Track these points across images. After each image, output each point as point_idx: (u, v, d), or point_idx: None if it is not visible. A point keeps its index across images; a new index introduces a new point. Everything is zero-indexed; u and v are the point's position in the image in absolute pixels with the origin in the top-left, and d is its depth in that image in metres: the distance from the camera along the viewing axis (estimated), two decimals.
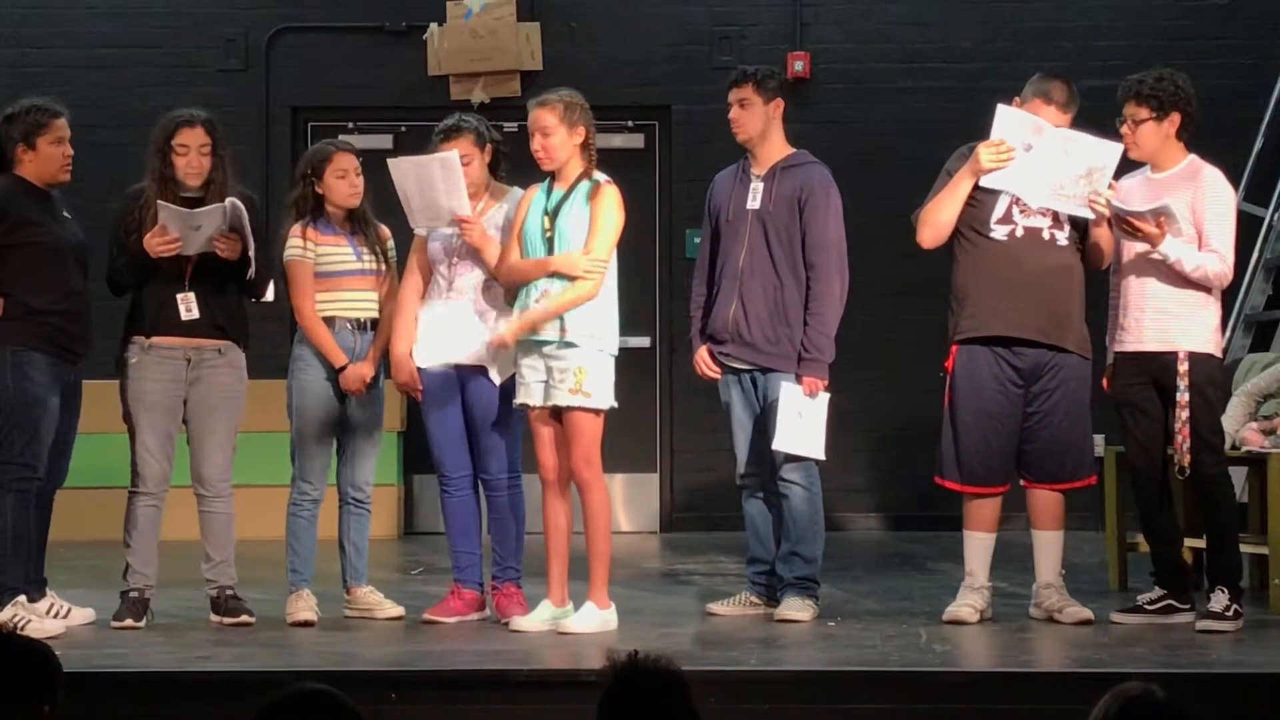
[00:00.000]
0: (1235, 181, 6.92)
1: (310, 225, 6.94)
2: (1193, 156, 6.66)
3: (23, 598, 6.51)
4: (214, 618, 6.80)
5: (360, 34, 10.95)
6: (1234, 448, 7.27)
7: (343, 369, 6.86)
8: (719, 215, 7.04)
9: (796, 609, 6.79)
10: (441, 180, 6.66)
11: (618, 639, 6.32)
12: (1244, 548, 6.97)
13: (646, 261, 10.66)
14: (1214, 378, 6.67)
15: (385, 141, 10.49)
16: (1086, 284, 6.80)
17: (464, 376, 6.80)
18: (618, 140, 10.64)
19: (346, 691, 3.31)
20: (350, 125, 10.71)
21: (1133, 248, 6.61)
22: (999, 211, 6.71)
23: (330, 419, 6.92)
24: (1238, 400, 7.55)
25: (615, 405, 6.59)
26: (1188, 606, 6.67)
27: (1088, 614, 6.64)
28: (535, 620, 6.54)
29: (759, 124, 6.95)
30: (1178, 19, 10.80)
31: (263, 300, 7.06)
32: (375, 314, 6.98)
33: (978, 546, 6.76)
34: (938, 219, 6.73)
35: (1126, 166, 6.76)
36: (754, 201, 6.94)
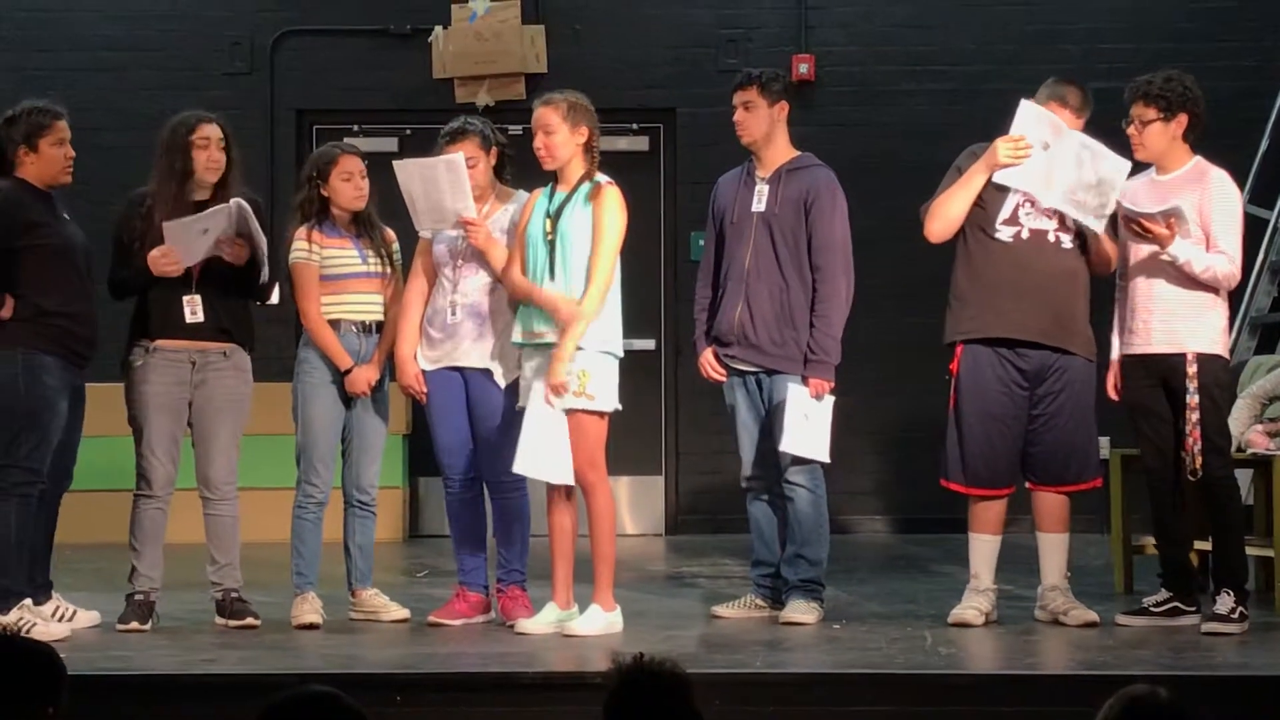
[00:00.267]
0: (1240, 184, 6.92)
1: (315, 228, 6.95)
2: (1199, 158, 6.66)
3: (28, 601, 6.51)
4: (219, 620, 6.80)
5: (365, 37, 10.95)
6: (1239, 450, 7.26)
7: (348, 372, 6.87)
8: (723, 218, 7.04)
9: (801, 611, 6.79)
10: (447, 183, 6.67)
11: (623, 641, 6.32)
12: (1249, 550, 6.96)
13: (651, 264, 10.66)
14: (1221, 380, 6.67)
15: (390, 144, 10.49)
16: (1091, 287, 6.80)
17: (468, 379, 6.80)
18: (622, 143, 10.64)
19: (351, 694, 3.31)
20: (355, 128, 10.72)
21: (1139, 251, 6.61)
22: (1005, 213, 6.70)
23: (335, 422, 6.92)
24: (1243, 403, 7.54)
25: (619, 408, 6.59)
26: (1193, 609, 6.66)
27: (1093, 616, 6.63)
28: (540, 623, 6.54)
29: (764, 127, 6.95)
30: (1182, 21, 10.79)
31: (268, 303, 7.07)
32: (380, 317, 6.98)
33: (983, 549, 6.76)
34: (948, 212, 6.72)
35: (1132, 168, 6.76)
36: (759, 204, 6.94)
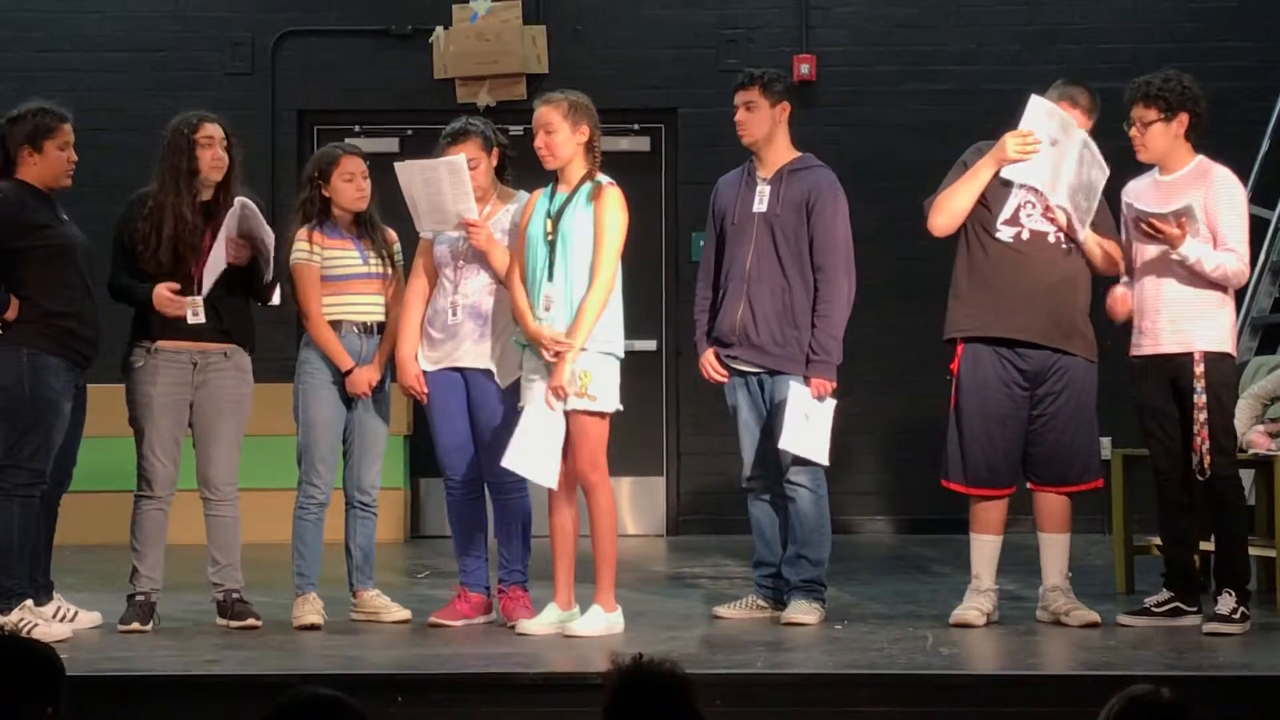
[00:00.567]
0: (1241, 184, 6.90)
1: (317, 229, 6.95)
2: (1201, 157, 6.66)
3: (29, 602, 6.51)
4: (220, 621, 6.80)
5: (366, 37, 10.95)
6: (1241, 450, 7.26)
7: (349, 372, 6.86)
8: (724, 218, 7.04)
9: (803, 612, 6.78)
10: (448, 184, 6.67)
11: (624, 642, 6.32)
12: (1251, 550, 6.96)
13: (652, 264, 10.66)
14: (1228, 379, 6.67)
15: (391, 145, 10.49)
16: (1093, 288, 6.80)
17: (469, 380, 6.80)
18: (624, 143, 10.64)
19: (353, 695, 3.31)
20: (356, 129, 10.72)
21: (1146, 251, 6.60)
22: (1006, 212, 6.70)
23: (337, 422, 6.92)
24: (1244, 403, 7.54)
25: (620, 408, 6.59)
26: (1195, 609, 6.66)
27: (1094, 617, 6.63)
28: (542, 623, 6.54)
29: (765, 127, 6.95)
30: (1183, 21, 10.79)
31: (269, 304, 7.06)
32: (382, 318, 6.98)
33: (984, 549, 6.76)
34: (953, 206, 6.71)
35: (1136, 169, 6.75)
36: (761, 205, 6.94)
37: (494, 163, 6.86)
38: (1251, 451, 7.36)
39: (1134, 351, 6.70)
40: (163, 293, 6.65)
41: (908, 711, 5.54)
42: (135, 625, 6.65)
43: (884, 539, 10.48)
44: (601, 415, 6.51)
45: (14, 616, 6.37)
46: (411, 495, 10.64)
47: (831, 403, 6.84)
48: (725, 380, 7.02)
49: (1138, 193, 6.65)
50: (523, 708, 5.52)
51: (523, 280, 6.59)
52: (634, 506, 10.82)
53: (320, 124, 10.91)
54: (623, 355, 6.62)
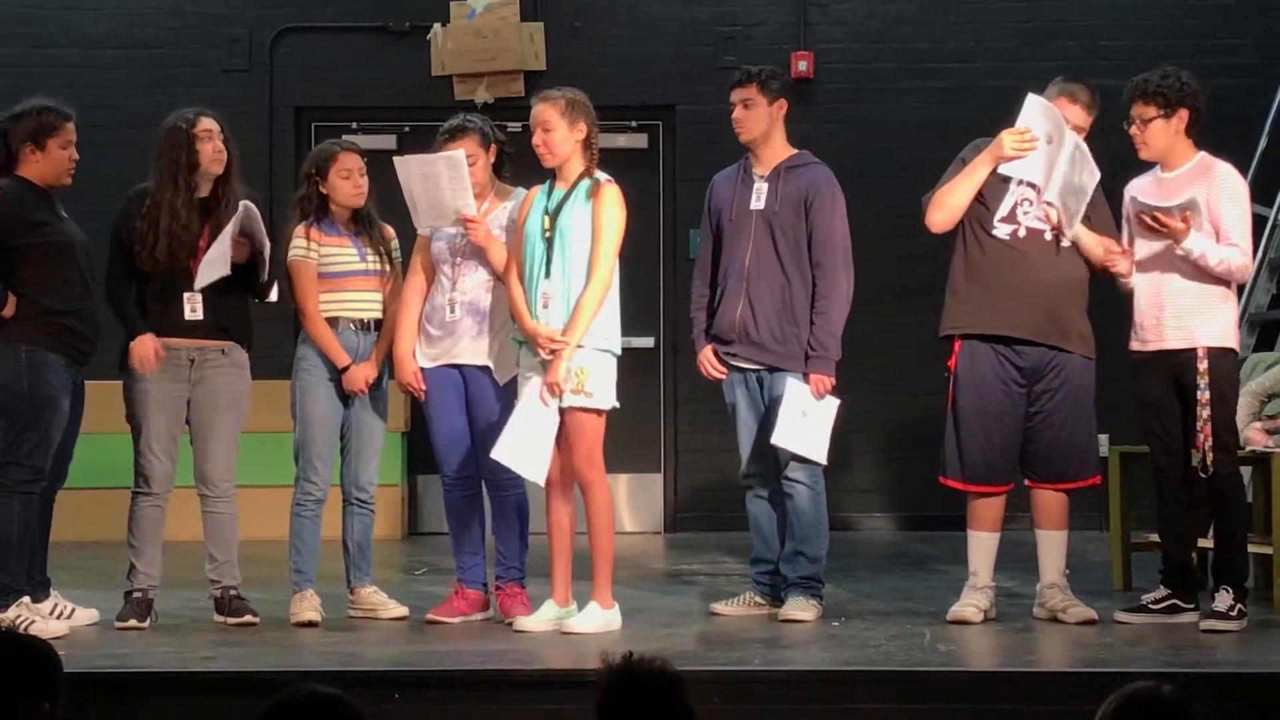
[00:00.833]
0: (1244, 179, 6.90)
1: (314, 225, 6.94)
2: (1203, 153, 6.66)
3: (27, 598, 6.51)
4: (218, 618, 6.80)
5: (364, 34, 10.95)
6: (1239, 447, 7.26)
7: (345, 369, 6.86)
8: (720, 216, 7.03)
9: (800, 609, 6.79)
10: (447, 180, 6.67)
11: (621, 639, 6.32)
12: (1248, 547, 6.95)
13: (650, 262, 10.66)
14: (1231, 375, 6.67)
15: (389, 142, 10.48)
16: (1091, 287, 6.80)
17: (467, 376, 6.80)
18: (621, 140, 10.64)
19: (350, 692, 3.31)
20: (354, 125, 10.71)
21: (1148, 247, 6.59)
22: (1003, 210, 6.70)
23: (334, 419, 6.92)
24: (1242, 400, 7.53)
25: (617, 405, 6.59)
26: (1192, 606, 6.66)
27: (1092, 614, 6.63)
28: (539, 620, 6.54)
29: (762, 125, 6.95)
30: (1182, 18, 10.79)
31: (267, 301, 7.06)
32: (379, 314, 6.97)
33: (981, 546, 6.76)
34: (951, 202, 6.72)
35: (1137, 168, 6.74)
36: (758, 202, 6.94)
37: (492, 159, 6.86)
38: (1249, 448, 7.36)
39: (1135, 346, 6.69)
40: (145, 347, 6.64)
41: (905, 708, 5.54)
42: (132, 622, 6.65)
43: (882, 536, 10.48)
44: (598, 412, 6.51)
45: (11, 613, 6.37)
46: (409, 492, 10.64)
47: (834, 402, 6.84)
48: (724, 377, 7.02)
49: (1141, 190, 6.65)
50: (520, 704, 5.51)
51: (520, 277, 6.59)
52: (632, 503, 10.82)
53: (318, 121, 10.91)
54: (620, 352, 6.62)
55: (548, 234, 6.52)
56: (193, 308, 6.73)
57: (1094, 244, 6.72)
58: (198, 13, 10.91)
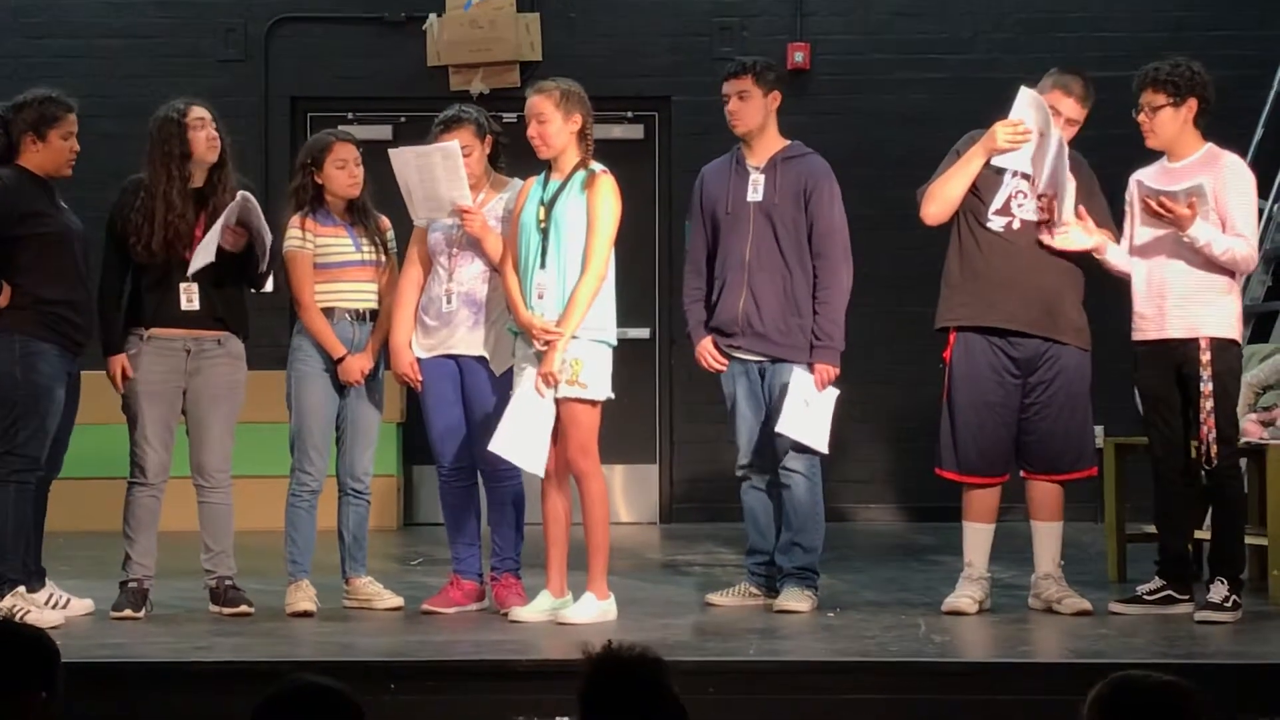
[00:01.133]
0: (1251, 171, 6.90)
1: (310, 216, 6.94)
2: (1210, 144, 6.65)
3: (22, 588, 6.51)
4: (213, 608, 6.80)
5: (359, 24, 10.94)
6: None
7: (341, 360, 6.86)
8: (714, 209, 7.02)
9: (796, 599, 6.79)
10: (442, 170, 6.66)
11: (617, 629, 6.33)
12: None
13: (646, 253, 10.66)
14: (1233, 367, 6.66)
15: (385, 132, 10.47)
16: (1088, 279, 6.80)
17: (463, 367, 6.80)
18: (617, 131, 10.63)
19: (345, 682, 3.30)
20: (349, 116, 10.70)
21: (1152, 235, 6.58)
22: (998, 202, 6.71)
23: (329, 410, 6.92)
24: None
25: (612, 396, 6.59)
26: (1187, 597, 6.67)
27: (1086, 605, 6.64)
28: (534, 611, 6.54)
29: (758, 116, 6.94)
30: (1178, 10, 10.79)
31: (263, 291, 7.06)
32: (375, 305, 6.97)
33: (976, 537, 6.77)
34: (945, 194, 6.72)
35: (1145, 157, 6.73)
36: (756, 194, 6.93)
37: (487, 150, 6.86)
38: (1244, 440, 7.36)
39: (1137, 336, 6.68)
40: (113, 368, 6.71)
41: (899, 699, 5.54)
42: (128, 612, 6.65)
43: (878, 527, 10.48)
44: (593, 403, 6.51)
45: (7, 603, 6.38)
46: (404, 482, 10.64)
47: (833, 392, 6.85)
48: (724, 369, 7.01)
49: (1148, 176, 6.64)
50: (515, 695, 5.51)
51: (515, 268, 6.59)
52: (627, 494, 10.82)
53: (313, 111, 10.90)
54: (615, 343, 6.62)
55: (543, 225, 6.52)
56: (189, 298, 6.73)
57: (1089, 229, 6.71)
58: (193, 3, 10.90)
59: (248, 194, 6.69)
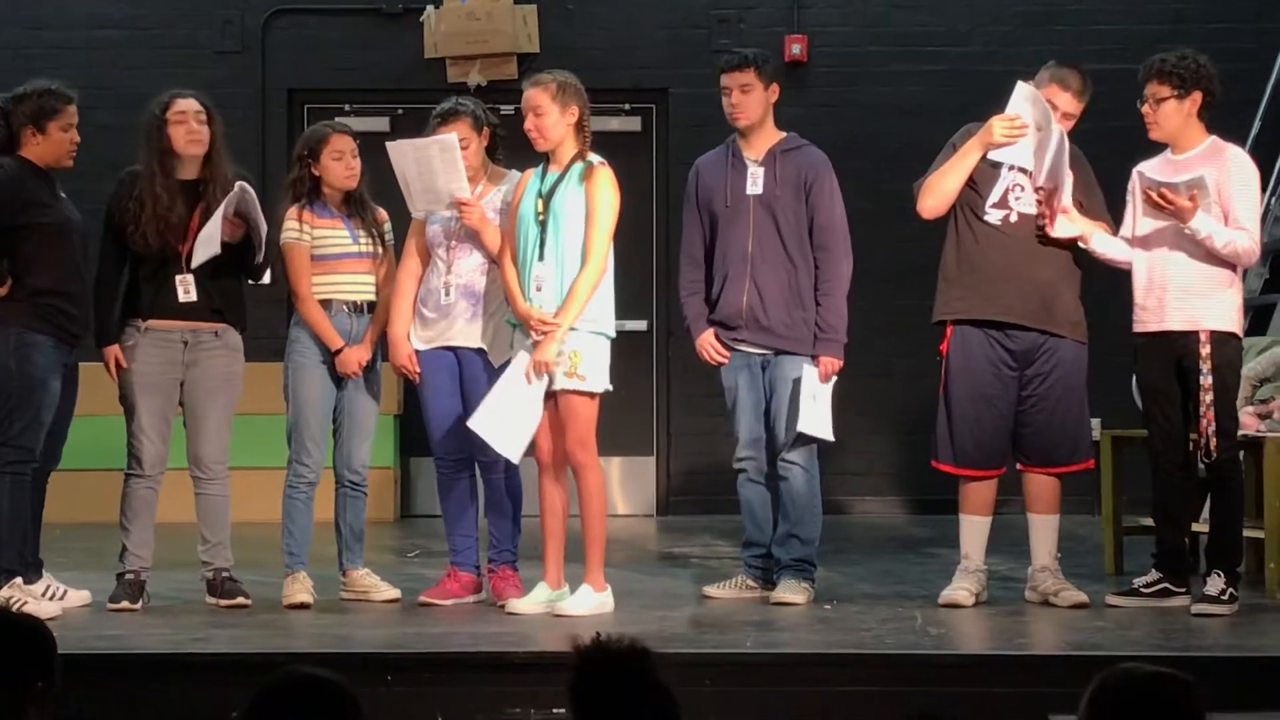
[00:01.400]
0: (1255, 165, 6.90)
1: (307, 208, 6.94)
2: (1214, 137, 6.64)
3: (19, 580, 6.52)
4: (210, 600, 6.80)
5: (356, 16, 10.93)
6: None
7: (338, 352, 6.86)
8: (712, 202, 7.01)
9: (792, 592, 6.79)
10: (440, 163, 6.66)
11: (614, 621, 6.33)
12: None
13: (643, 245, 10.66)
14: (1234, 361, 6.66)
15: (382, 124, 10.47)
16: (1086, 272, 6.80)
17: (461, 359, 6.81)
18: (614, 123, 10.63)
19: (342, 673, 3.31)
20: (347, 107, 10.69)
21: (1153, 227, 6.57)
22: (995, 195, 6.71)
23: (327, 402, 6.91)
24: None
25: (610, 388, 6.59)
26: (1183, 590, 6.67)
27: (1083, 597, 6.65)
28: (531, 603, 6.54)
29: (760, 109, 6.94)
30: (1175, 3, 10.78)
31: (260, 283, 7.06)
32: (372, 297, 6.97)
33: (973, 530, 6.77)
34: (942, 188, 6.72)
35: (1143, 150, 6.73)
36: (755, 187, 6.92)
37: (485, 142, 6.86)
38: (1241, 433, 7.36)
39: (1137, 328, 6.68)
40: (107, 359, 6.73)
41: (895, 691, 5.54)
42: (124, 604, 6.65)
43: (875, 519, 10.49)
44: (591, 395, 6.51)
45: (4, 594, 6.38)
46: (402, 474, 10.64)
47: (831, 379, 6.87)
48: (727, 361, 7.00)
49: (1150, 168, 6.63)
50: (512, 687, 5.52)
51: (514, 260, 6.59)
52: (624, 486, 10.82)
53: (310, 103, 10.89)
54: (614, 335, 6.62)
55: (541, 217, 6.52)
56: (186, 290, 6.73)
57: (1087, 224, 6.71)
58: None
59: (245, 185, 6.69)
